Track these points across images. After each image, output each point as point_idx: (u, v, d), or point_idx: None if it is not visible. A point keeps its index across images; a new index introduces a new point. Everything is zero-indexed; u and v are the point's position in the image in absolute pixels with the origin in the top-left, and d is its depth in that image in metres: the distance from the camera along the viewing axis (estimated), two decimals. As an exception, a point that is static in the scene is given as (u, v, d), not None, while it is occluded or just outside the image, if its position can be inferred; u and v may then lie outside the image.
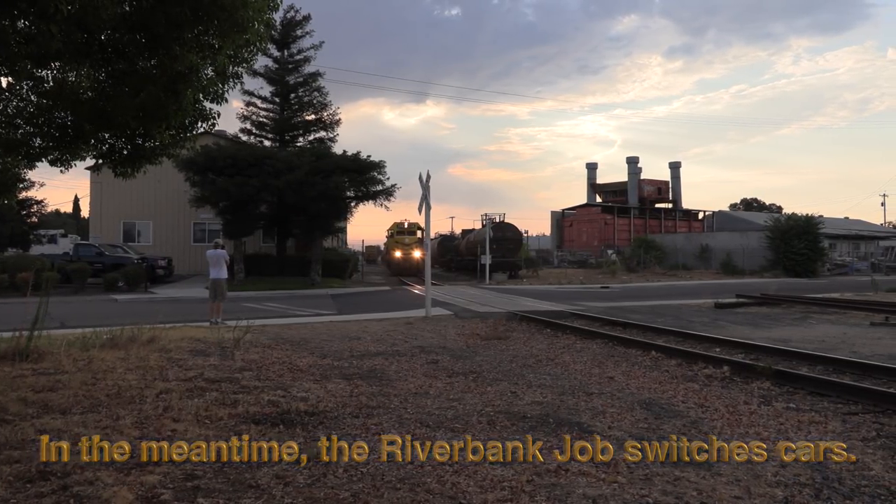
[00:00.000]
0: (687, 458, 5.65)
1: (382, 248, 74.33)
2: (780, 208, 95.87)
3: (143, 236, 38.17)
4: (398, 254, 47.46)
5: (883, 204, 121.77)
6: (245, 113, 36.43)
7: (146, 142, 8.95)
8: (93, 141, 8.88)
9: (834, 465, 5.55)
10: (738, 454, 5.80)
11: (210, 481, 4.88)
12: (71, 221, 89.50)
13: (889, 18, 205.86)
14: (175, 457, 5.36)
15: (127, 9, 7.09)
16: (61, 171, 9.22)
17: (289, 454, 5.45)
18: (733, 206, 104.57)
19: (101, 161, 9.49)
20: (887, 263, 54.07)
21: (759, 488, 4.95)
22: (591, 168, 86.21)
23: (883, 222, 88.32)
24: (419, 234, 46.78)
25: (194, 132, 9.44)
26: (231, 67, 8.35)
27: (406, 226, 49.07)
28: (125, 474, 4.95)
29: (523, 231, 46.37)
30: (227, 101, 8.70)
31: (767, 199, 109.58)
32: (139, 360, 9.72)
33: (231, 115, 72.03)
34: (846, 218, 76.71)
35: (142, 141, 8.90)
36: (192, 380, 8.54)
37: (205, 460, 5.32)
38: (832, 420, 7.07)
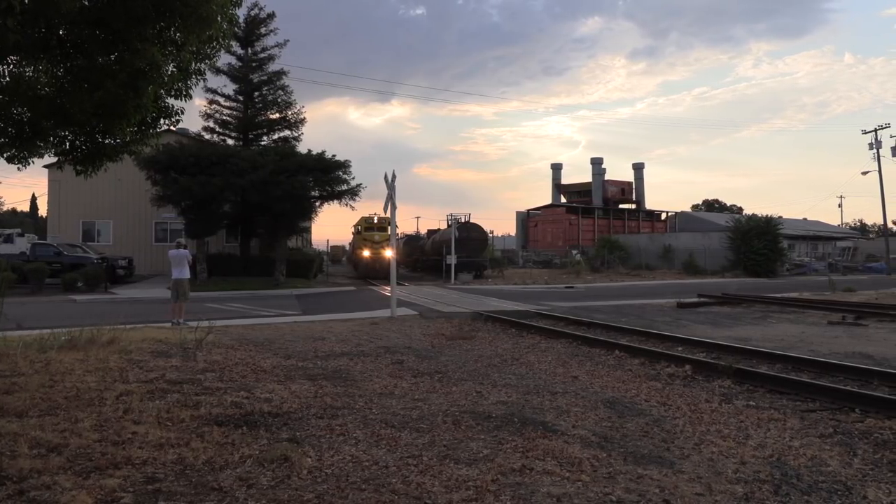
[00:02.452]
0: (649, 457, 5.72)
1: (348, 247, 69.68)
2: (740, 209, 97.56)
3: (103, 236, 37.48)
4: (367, 253, 41.49)
5: (840, 205, 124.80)
6: (208, 111, 36.06)
7: (106, 139, 8.78)
8: (51, 138, 8.69)
9: (793, 461, 5.66)
10: (699, 452, 5.89)
11: (171, 484, 4.81)
12: (28, 220, 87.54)
13: (847, 23, 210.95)
14: (136, 460, 5.28)
15: (86, 3, 6.96)
16: (18, 168, 9.01)
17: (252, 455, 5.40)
18: (695, 207, 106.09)
19: (60, 158, 9.29)
20: (844, 263, 55.36)
21: (719, 485, 5.02)
22: (556, 169, 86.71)
23: (840, 223, 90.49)
24: (389, 230, 41.77)
25: (157, 129, 9.29)
26: (194, 64, 8.24)
27: (376, 221, 42.20)
28: (84, 478, 4.85)
29: (489, 231, 46.37)
30: (190, 97, 8.58)
31: (729, 200, 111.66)
32: (99, 362, 9.54)
33: (194, 113, 71.20)
34: (805, 219, 78.25)
35: (102, 138, 8.73)
36: (154, 381, 8.41)
37: (166, 463, 5.24)
38: (791, 417, 7.21)
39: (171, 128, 9.82)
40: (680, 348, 11.99)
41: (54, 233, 36.46)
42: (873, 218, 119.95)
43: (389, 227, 41.31)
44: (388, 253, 38.71)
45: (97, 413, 6.75)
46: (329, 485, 4.87)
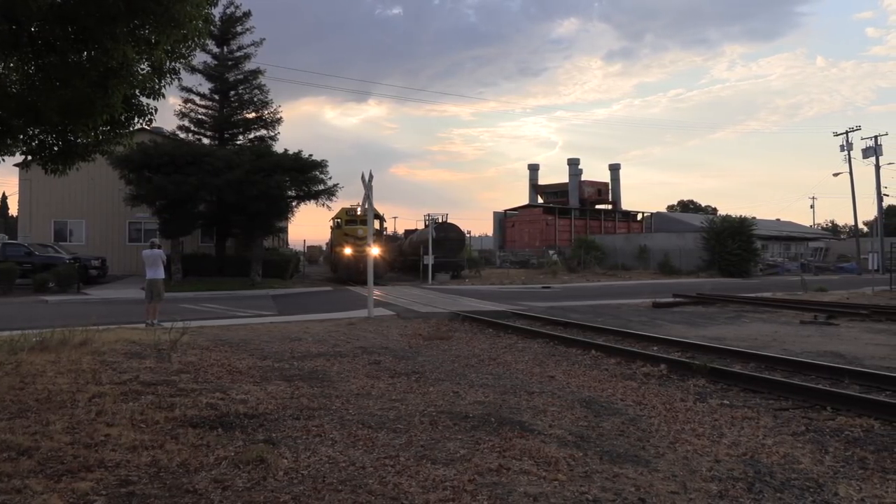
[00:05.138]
0: (625, 455, 5.75)
1: (325, 247, 64.75)
2: (715, 210, 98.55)
3: (76, 235, 36.95)
4: (349, 251, 35.07)
5: (812, 206, 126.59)
6: (183, 110, 35.69)
7: (78, 138, 8.66)
8: (22, 136, 8.55)
9: (766, 459, 5.73)
10: (674, 450, 5.94)
11: (145, 487, 4.76)
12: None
13: (818, 27, 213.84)
14: (109, 462, 5.22)
15: (58, 0, 6.86)
16: (-12, 166, 8.88)
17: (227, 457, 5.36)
18: (671, 208, 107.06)
19: (30, 157, 9.15)
20: (816, 264, 56.13)
21: (694, 483, 5.07)
22: (533, 169, 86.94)
23: (812, 224, 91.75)
24: (376, 224, 36.58)
25: (130, 128, 9.17)
26: (168, 63, 8.14)
27: (359, 212, 35.21)
28: (55, 481, 4.79)
29: (466, 231, 46.14)
30: (164, 96, 8.49)
31: (703, 201, 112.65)
32: (71, 364, 9.41)
33: (168, 112, 70.25)
34: (778, 219, 79.28)
35: (74, 137, 8.61)
36: (127, 383, 8.31)
37: (140, 465, 5.18)
38: (764, 416, 7.30)
39: (145, 126, 9.69)
40: (655, 348, 12.08)
41: (25, 232, 35.89)
42: (845, 219, 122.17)
43: (377, 222, 37.56)
44: (375, 251, 31.51)
45: (69, 415, 6.66)
46: (305, 486, 4.84)
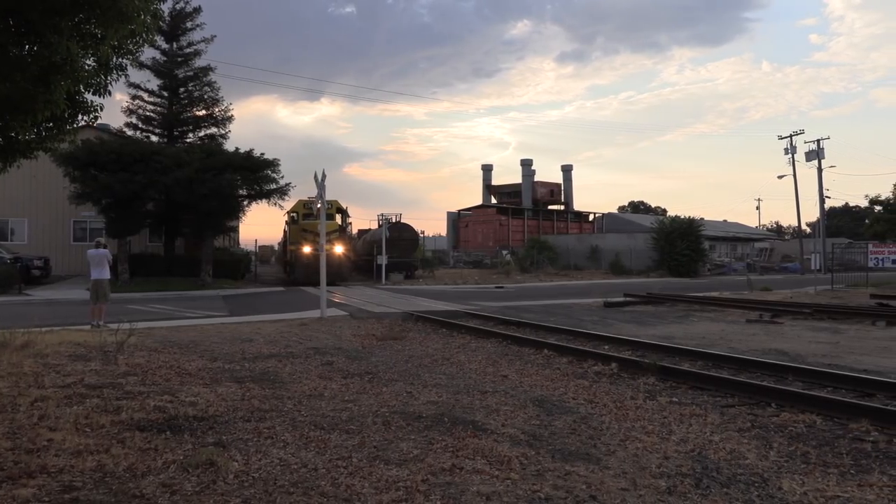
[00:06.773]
0: (577, 453, 5.82)
1: (277, 246, 59.41)
2: (665, 211, 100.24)
3: (17, 235, 35.87)
4: (308, 249, 31.54)
5: (758, 208, 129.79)
6: (131, 107, 34.83)
7: (20, 134, 8.39)
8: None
9: (713, 455, 5.85)
10: (624, 448, 6.03)
11: (90, 493, 4.64)
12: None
13: (764, 32, 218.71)
14: (52, 468, 5.07)
15: (-2, -9, 6.64)
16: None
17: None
18: (622, 209, 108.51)
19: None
20: (761, 264, 57.62)
21: (644, 480, 5.15)
22: (487, 170, 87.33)
23: (758, 225, 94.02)
24: (338, 219, 35.27)
25: (75, 125, 8.92)
26: (115, 58, 7.94)
27: (319, 207, 29.92)
28: (-6, 489, 4.64)
29: (420, 231, 46.08)
30: (110, 93, 8.27)
31: (653, 202, 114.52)
32: (11, 367, 9.12)
33: (115, 108, 68.34)
34: (725, 220, 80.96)
35: (15, 133, 8.34)
36: (72, 386, 8.10)
37: (85, 471, 5.05)
38: (711, 412, 7.45)
39: (91, 123, 9.45)
40: (606, 347, 12.24)
41: (-37, 232, 34.75)
42: (789, 220, 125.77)
43: (339, 216, 34.61)
44: (339, 249, 31.45)
45: (10, 420, 6.47)
46: (256, 489, 4.78)
